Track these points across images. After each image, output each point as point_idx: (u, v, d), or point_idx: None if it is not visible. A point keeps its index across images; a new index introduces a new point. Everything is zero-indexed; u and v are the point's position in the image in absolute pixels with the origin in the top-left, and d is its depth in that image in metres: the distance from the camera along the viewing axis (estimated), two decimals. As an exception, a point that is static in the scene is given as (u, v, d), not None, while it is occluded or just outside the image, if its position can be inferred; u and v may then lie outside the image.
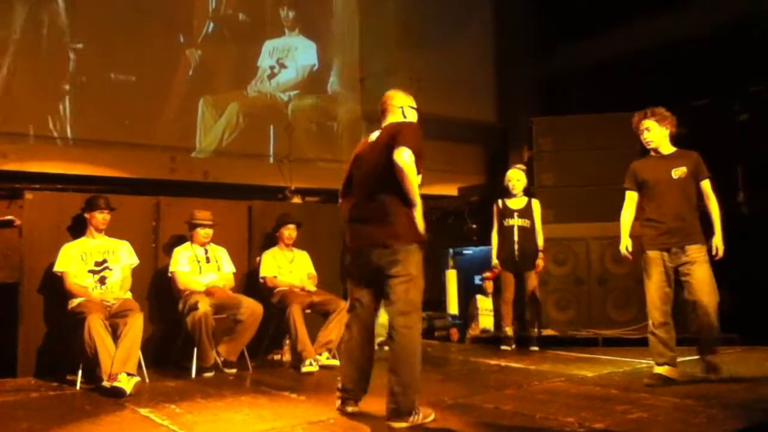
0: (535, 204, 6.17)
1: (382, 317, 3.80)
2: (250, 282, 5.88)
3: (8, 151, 6.85)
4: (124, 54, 7.62)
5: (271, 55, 8.84)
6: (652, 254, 4.45)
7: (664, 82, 8.14)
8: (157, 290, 5.48)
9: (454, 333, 7.36)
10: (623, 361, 5.33)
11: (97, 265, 4.90)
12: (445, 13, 9.95)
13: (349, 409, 3.64)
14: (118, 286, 4.91)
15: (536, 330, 6.07)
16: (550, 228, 6.38)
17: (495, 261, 6.15)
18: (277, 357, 5.76)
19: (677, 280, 4.40)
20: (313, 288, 5.66)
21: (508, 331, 6.12)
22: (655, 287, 4.43)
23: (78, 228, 5.10)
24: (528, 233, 6.07)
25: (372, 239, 3.52)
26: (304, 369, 5.05)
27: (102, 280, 4.88)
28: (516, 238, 6.05)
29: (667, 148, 4.52)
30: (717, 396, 4.04)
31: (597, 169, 6.83)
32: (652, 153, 4.56)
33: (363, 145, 3.78)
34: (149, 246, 5.56)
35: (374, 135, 3.69)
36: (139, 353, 4.55)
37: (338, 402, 3.68)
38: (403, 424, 3.33)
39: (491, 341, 6.55)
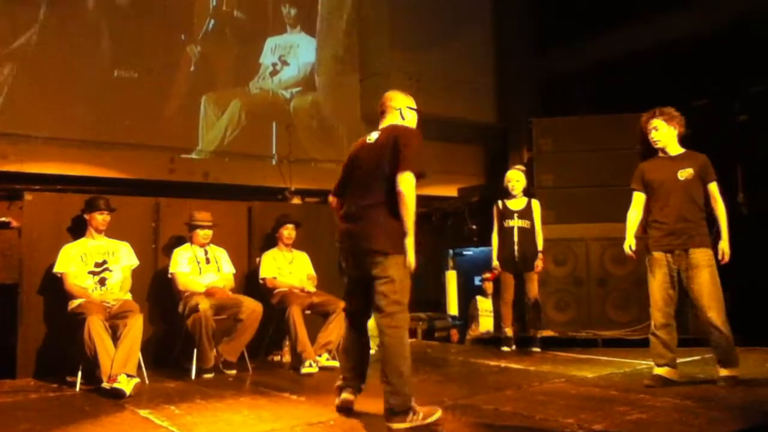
0: (535, 205, 6.16)
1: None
2: (249, 283, 5.88)
3: (8, 152, 6.86)
4: (124, 53, 7.63)
5: (273, 53, 8.87)
6: (656, 255, 4.44)
7: (664, 82, 8.15)
8: (157, 291, 5.48)
9: (454, 334, 7.37)
10: (623, 362, 5.33)
11: (96, 266, 4.90)
12: (444, 13, 9.95)
13: (345, 395, 3.70)
14: (118, 287, 4.91)
15: (536, 331, 6.07)
16: (550, 228, 6.38)
17: (495, 262, 6.15)
18: (276, 358, 5.76)
19: (681, 283, 4.37)
20: (312, 289, 5.66)
21: (508, 332, 6.12)
22: (658, 288, 4.41)
23: (78, 229, 5.10)
24: (528, 234, 6.07)
25: (360, 242, 3.53)
26: (304, 370, 5.05)
27: (102, 281, 4.88)
28: (516, 239, 6.05)
29: (675, 149, 4.49)
30: (716, 397, 4.04)
31: (597, 169, 6.84)
32: (660, 153, 4.53)
33: (360, 145, 3.74)
34: (149, 247, 5.56)
35: (373, 136, 3.66)
36: (139, 354, 4.55)
37: (337, 393, 3.73)
38: (402, 425, 3.32)
39: (491, 342, 6.55)
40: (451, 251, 8.04)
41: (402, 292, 3.44)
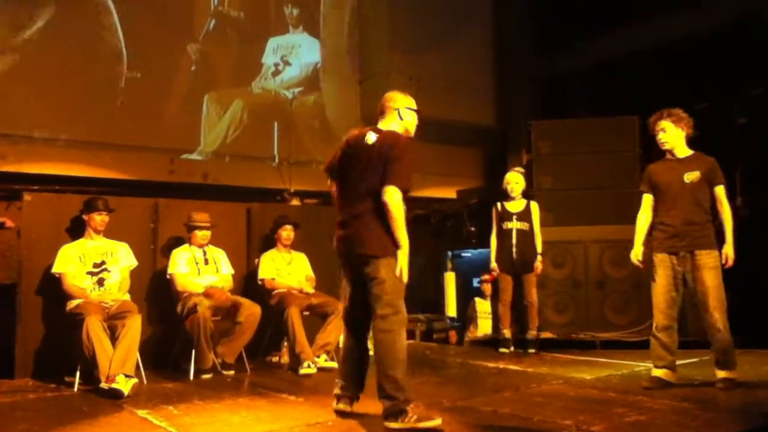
0: (534, 207, 6.16)
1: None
2: (248, 284, 5.88)
3: (7, 153, 6.86)
4: (127, 54, 7.63)
5: (275, 53, 8.89)
6: (661, 256, 4.43)
7: (664, 83, 8.15)
8: (156, 292, 5.48)
9: (453, 335, 7.37)
10: (621, 363, 5.32)
11: (95, 267, 4.90)
12: (444, 14, 9.96)
13: (342, 406, 3.67)
14: (116, 288, 4.91)
15: (534, 333, 6.07)
16: (549, 231, 6.38)
17: (493, 264, 6.15)
18: (275, 359, 5.75)
19: (686, 285, 4.37)
20: (311, 290, 5.67)
21: (507, 333, 6.12)
22: (661, 291, 4.41)
23: (76, 229, 5.10)
24: (526, 236, 6.07)
25: (353, 247, 3.55)
26: (302, 371, 5.05)
27: (100, 282, 4.88)
28: (514, 241, 6.05)
29: (683, 151, 4.47)
30: (714, 399, 4.05)
31: (595, 172, 6.85)
32: (668, 156, 4.51)
33: (356, 139, 3.69)
34: (148, 248, 5.56)
35: (371, 137, 3.62)
36: (137, 355, 4.56)
37: (334, 401, 3.72)
38: (394, 424, 3.34)
39: (489, 344, 6.55)
40: (449, 253, 8.04)
41: (394, 293, 3.45)
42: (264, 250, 5.85)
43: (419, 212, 8.21)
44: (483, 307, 7.31)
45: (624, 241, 6.60)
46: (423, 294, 7.53)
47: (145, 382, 4.67)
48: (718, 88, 7.44)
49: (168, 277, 5.28)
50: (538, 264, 6.04)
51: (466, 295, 7.68)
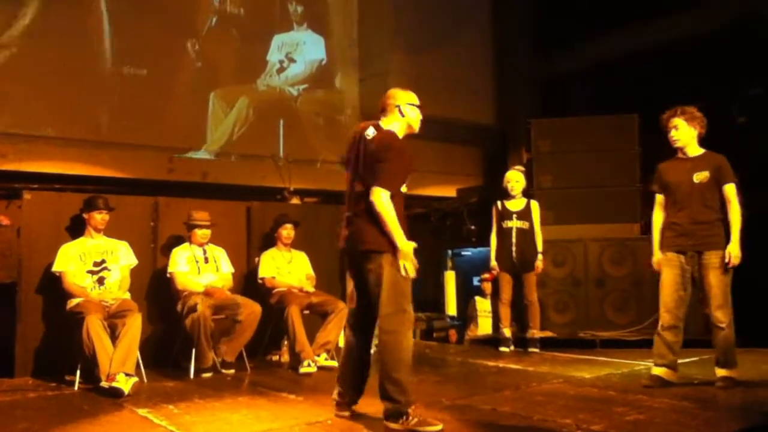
0: (534, 206, 6.16)
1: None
2: (248, 283, 5.88)
3: (7, 151, 6.85)
4: (124, 52, 7.62)
5: (280, 50, 8.93)
6: (669, 255, 4.44)
7: (664, 83, 8.15)
8: (156, 291, 5.48)
9: (453, 334, 7.36)
10: (621, 362, 5.33)
11: (95, 266, 4.90)
12: (444, 14, 9.96)
13: (341, 413, 3.64)
14: (116, 287, 4.91)
15: (534, 331, 6.07)
16: (548, 229, 6.38)
17: (493, 263, 6.15)
18: (275, 358, 5.76)
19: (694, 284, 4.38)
20: (311, 289, 5.67)
21: (507, 332, 6.13)
22: (668, 290, 4.41)
23: (77, 228, 5.10)
24: (527, 235, 6.07)
25: (355, 244, 3.53)
26: (303, 370, 5.05)
27: (101, 281, 4.88)
28: (514, 239, 6.05)
29: (694, 150, 4.46)
30: (714, 398, 4.06)
31: (595, 170, 6.86)
32: (679, 154, 4.50)
33: (361, 132, 3.67)
34: (148, 246, 5.56)
35: (370, 132, 3.60)
36: (138, 353, 4.56)
37: (334, 406, 3.69)
38: (394, 425, 3.35)
39: (490, 343, 6.56)
40: (449, 252, 8.03)
41: (397, 291, 3.41)
42: (264, 249, 5.85)
43: (419, 211, 8.21)
44: (483, 305, 7.30)
45: (624, 240, 6.66)
46: (423, 293, 7.52)
47: (145, 380, 4.67)
48: (718, 88, 7.43)
49: (168, 275, 5.28)
50: (539, 263, 6.05)
51: (467, 293, 7.67)
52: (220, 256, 5.50)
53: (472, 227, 7.88)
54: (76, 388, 4.51)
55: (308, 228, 6.13)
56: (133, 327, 4.51)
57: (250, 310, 5.16)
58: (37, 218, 5.12)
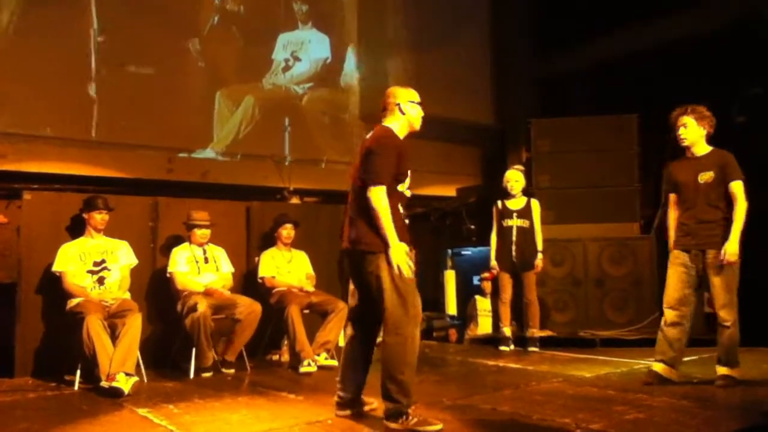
0: (535, 204, 6.16)
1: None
2: (248, 282, 5.88)
3: (7, 152, 6.85)
4: (126, 53, 7.63)
5: (285, 49, 8.96)
6: (675, 253, 4.46)
7: (662, 84, 8.15)
8: (156, 290, 5.48)
9: (453, 334, 7.36)
10: (620, 362, 5.33)
11: (95, 266, 4.90)
12: (444, 13, 9.96)
13: (342, 413, 3.63)
14: (116, 286, 4.91)
15: (534, 331, 6.07)
16: (548, 229, 6.38)
17: (493, 262, 6.15)
18: (275, 357, 5.76)
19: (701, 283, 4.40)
20: (311, 288, 5.67)
21: (506, 331, 6.13)
22: (671, 287, 4.43)
23: (76, 228, 5.10)
24: (527, 234, 6.07)
25: (354, 245, 3.52)
26: (302, 369, 5.05)
27: (100, 281, 4.88)
28: (514, 238, 6.05)
29: (702, 149, 4.45)
30: (714, 397, 4.06)
31: (595, 170, 6.87)
32: (687, 153, 4.51)
33: (364, 138, 3.72)
34: (147, 246, 5.56)
35: (369, 134, 3.65)
36: (138, 353, 4.56)
37: (335, 407, 3.68)
38: (393, 425, 3.35)
39: (489, 342, 6.56)
40: (449, 251, 8.03)
41: (399, 291, 3.39)
42: (264, 249, 5.85)
43: (419, 210, 8.22)
44: (483, 305, 7.30)
45: (623, 239, 6.66)
46: (423, 292, 7.51)
47: (145, 380, 4.68)
48: (718, 88, 7.43)
49: (168, 275, 5.29)
50: (539, 262, 6.05)
51: (466, 293, 7.67)
52: (219, 255, 5.50)
53: (472, 227, 7.88)
54: (76, 388, 4.52)
55: (308, 228, 6.13)
56: (133, 327, 4.51)
57: (250, 309, 5.17)
58: (37, 218, 5.12)
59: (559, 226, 6.69)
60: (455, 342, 7.21)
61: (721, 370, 4.30)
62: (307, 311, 5.49)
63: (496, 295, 6.49)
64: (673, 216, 4.60)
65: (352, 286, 3.70)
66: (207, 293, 5.14)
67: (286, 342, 5.57)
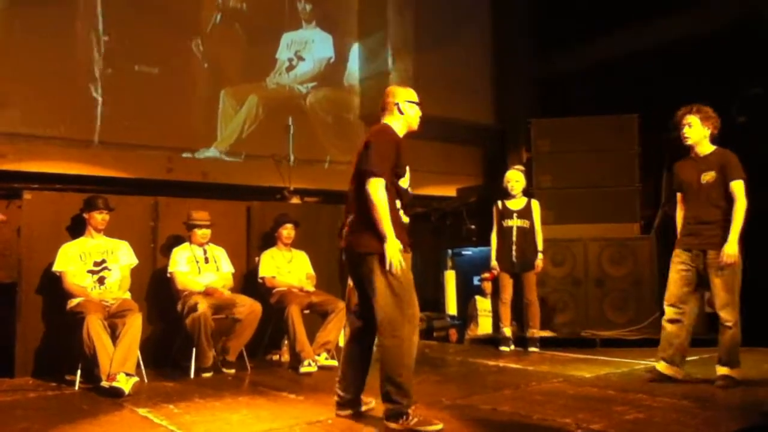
0: (535, 205, 6.16)
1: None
2: (248, 282, 5.88)
3: (7, 151, 6.86)
4: (126, 53, 7.63)
5: (289, 48, 9.01)
6: (677, 252, 4.51)
7: (662, 84, 8.15)
8: (156, 290, 5.48)
9: (453, 334, 7.37)
10: (621, 362, 5.33)
11: (96, 265, 4.90)
12: (444, 14, 9.96)
13: (343, 413, 3.63)
14: (116, 286, 4.91)
15: (534, 331, 6.07)
16: (548, 229, 6.38)
17: (493, 262, 6.15)
18: (275, 357, 5.76)
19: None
20: (311, 288, 5.67)
21: (507, 332, 6.13)
22: (672, 285, 4.48)
23: (77, 228, 5.10)
24: (527, 234, 6.07)
25: (351, 248, 3.52)
26: (303, 369, 5.05)
27: (101, 280, 4.88)
28: (514, 238, 6.05)
29: (705, 149, 4.47)
30: (714, 397, 4.06)
31: (595, 170, 6.87)
32: (691, 153, 4.53)
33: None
34: (148, 246, 5.56)
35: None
36: (138, 353, 4.56)
37: (335, 407, 3.68)
38: (393, 425, 3.35)
39: (490, 342, 6.56)
40: (449, 251, 8.04)
41: (396, 293, 3.38)
42: (264, 249, 5.85)
43: (419, 210, 8.22)
44: (483, 305, 7.31)
45: (623, 239, 6.66)
46: (423, 292, 7.53)
47: (145, 380, 4.67)
48: (718, 88, 7.43)
49: (168, 275, 5.28)
50: (539, 262, 6.04)
51: (467, 293, 7.68)
52: (220, 255, 5.50)
53: (472, 227, 7.89)
54: (76, 387, 4.51)
55: (308, 228, 6.13)
56: (134, 327, 4.51)
57: (250, 309, 5.17)
58: (38, 218, 5.12)
59: (559, 226, 6.69)
60: (455, 342, 7.22)
61: (721, 370, 4.31)
62: (307, 311, 5.49)
63: (496, 296, 6.49)
64: (680, 214, 4.64)
65: (350, 285, 3.70)
66: (207, 293, 5.14)
67: (286, 342, 5.57)
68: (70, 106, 7.27)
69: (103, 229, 5.00)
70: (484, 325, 7.20)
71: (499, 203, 6.21)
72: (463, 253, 8.00)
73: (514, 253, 6.04)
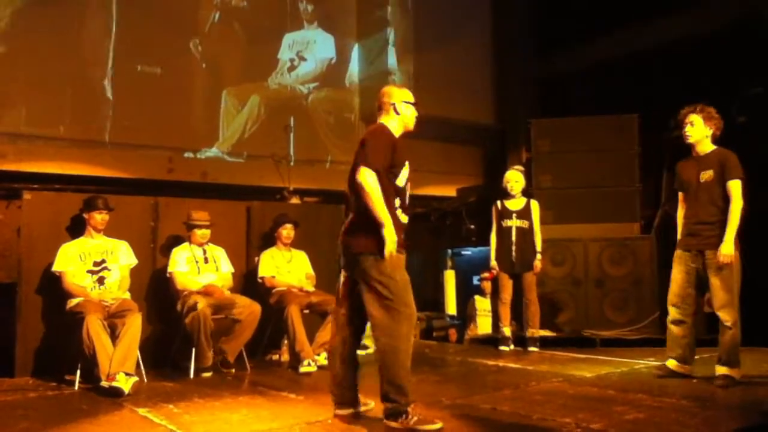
0: (534, 205, 6.16)
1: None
2: (248, 282, 5.88)
3: (7, 152, 6.86)
4: (128, 53, 7.63)
5: (291, 48, 9.03)
6: (678, 252, 4.55)
7: (663, 84, 8.15)
8: (156, 290, 5.48)
9: (453, 333, 7.37)
10: (620, 361, 5.33)
11: (95, 265, 4.90)
12: (444, 13, 9.97)
13: (343, 412, 3.62)
14: (116, 286, 4.91)
15: (534, 331, 6.07)
16: (548, 229, 6.39)
17: (493, 262, 6.15)
18: (275, 357, 5.76)
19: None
20: (311, 288, 5.67)
21: (506, 331, 6.13)
22: (674, 286, 4.52)
23: (77, 228, 5.10)
24: (526, 234, 6.07)
25: (347, 248, 3.52)
26: (302, 369, 5.06)
27: (100, 280, 4.88)
28: (514, 239, 6.05)
29: (705, 148, 4.49)
30: (713, 397, 4.06)
31: (595, 170, 6.87)
32: (692, 152, 4.56)
33: None
34: (147, 246, 5.56)
35: None
36: (138, 353, 4.56)
37: (334, 406, 3.67)
38: (393, 424, 3.35)
39: (489, 342, 6.56)
40: (449, 251, 8.03)
41: (393, 292, 3.37)
42: (264, 249, 5.85)
43: (419, 210, 8.22)
44: (483, 305, 7.31)
45: (623, 239, 6.66)
46: (422, 292, 7.53)
47: (145, 380, 4.67)
48: (718, 88, 7.43)
49: (168, 275, 5.28)
50: (537, 263, 6.04)
51: (466, 293, 7.67)
52: (219, 255, 5.50)
53: (472, 227, 7.89)
54: (76, 387, 4.52)
55: (308, 228, 6.13)
56: (133, 327, 4.51)
57: (250, 309, 5.17)
58: (37, 218, 5.12)
59: (559, 226, 6.69)
60: (455, 342, 7.22)
61: (721, 370, 4.32)
62: (306, 311, 5.49)
63: (495, 295, 6.49)
64: (680, 214, 4.66)
65: (341, 289, 3.66)
66: (207, 292, 5.14)
67: (285, 342, 5.57)
68: (70, 106, 7.27)
69: (103, 229, 5.00)
70: (484, 325, 7.20)
71: (499, 203, 6.21)
72: (463, 253, 7.99)
73: (513, 253, 6.05)
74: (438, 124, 8.18)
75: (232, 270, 5.54)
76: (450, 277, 7.91)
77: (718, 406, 3.91)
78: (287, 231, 5.80)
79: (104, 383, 4.26)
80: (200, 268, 5.33)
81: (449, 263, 7.97)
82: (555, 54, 9.85)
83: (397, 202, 3.52)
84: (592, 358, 5.57)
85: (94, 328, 4.37)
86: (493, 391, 4.32)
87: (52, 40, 7.19)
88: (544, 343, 6.11)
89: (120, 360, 4.33)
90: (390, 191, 3.46)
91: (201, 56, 8.21)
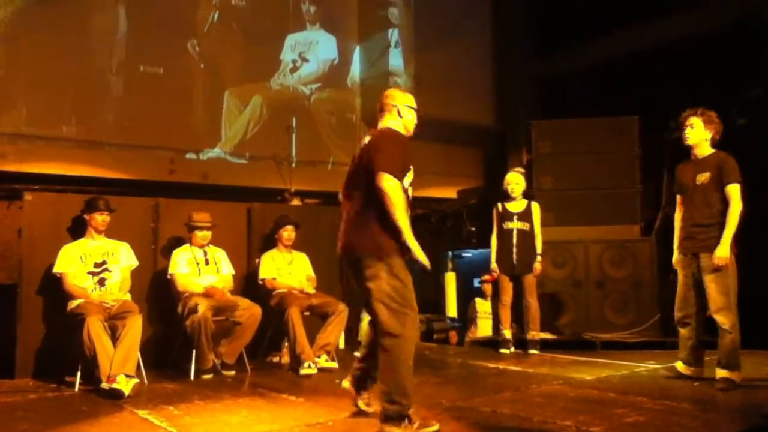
0: (535, 207, 6.16)
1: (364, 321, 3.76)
2: (249, 284, 5.89)
3: (8, 152, 6.86)
4: (128, 53, 7.63)
5: (293, 49, 9.03)
6: (678, 256, 4.60)
7: (663, 85, 8.15)
8: (156, 292, 5.49)
9: (453, 336, 7.37)
10: (621, 364, 5.33)
11: (96, 267, 4.90)
12: (444, 14, 9.97)
13: (359, 397, 3.70)
14: (117, 288, 4.91)
15: (534, 333, 6.07)
16: (549, 231, 6.39)
17: (494, 264, 6.15)
18: (275, 359, 5.76)
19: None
20: (312, 290, 5.67)
21: (507, 334, 6.12)
22: (678, 289, 4.60)
23: (78, 229, 5.11)
24: (527, 236, 6.07)
25: (348, 251, 3.51)
26: (303, 371, 5.06)
27: (101, 282, 4.88)
28: (515, 241, 6.05)
29: (704, 151, 4.51)
30: (714, 400, 4.06)
31: (595, 172, 6.87)
32: (692, 156, 4.58)
33: (362, 143, 3.75)
34: (148, 248, 5.56)
35: (366, 139, 3.65)
36: (138, 355, 4.56)
37: (350, 380, 3.72)
38: (394, 429, 3.32)
39: (490, 344, 6.55)
40: (450, 253, 8.04)
41: (397, 293, 3.37)
42: (264, 250, 5.86)
43: (419, 212, 8.22)
44: (483, 307, 7.31)
45: (624, 241, 6.66)
46: (423, 294, 7.53)
47: (145, 382, 4.67)
48: (718, 88, 7.43)
49: (168, 277, 5.29)
50: (537, 265, 6.04)
51: (467, 295, 7.68)
52: (220, 257, 5.50)
53: (473, 229, 7.89)
54: (76, 389, 4.52)
55: (309, 229, 6.14)
56: (134, 328, 4.51)
57: (251, 311, 5.17)
58: (38, 219, 5.12)
59: (559, 228, 6.69)
60: (455, 344, 7.22)
61: (721, 373, 4.32)
62: (307, 313, 5.49)
63: (496, 298, 6.49)
64: (678, 217, 4.68)
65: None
66: (208, 293, 5.15)
67: (286, 344, 5.57)
68: (71, 107, 7.27)
69: (104, 231, 5.01)
70: (484, 327, 7.20)
71: (499, 205, 6.21)
72: (463, 255, 8.00)
73: (514, 255, 6.04)
74: (438, 125, 8.17)
75: (233, 272, 5.54)
76: (450, 280, 7.92)
77: (719, 409, 3.92)
78: (288, 233, 5.80)
79: (105, 385, 4.26)
80: (201, 269, 5.33)
81: (450, 265, 7.98)
82: (555, 54, 9.85)
83: None
84: (593, 361, 5.57)
85: (95, 330, 4.37)
86: (493, 393, 4.33)
87: (53, 40, 7.18)
88: (544, 345, 6.11)
89: (120, 362, 4.34)
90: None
91: (200, 57, 8.21)
